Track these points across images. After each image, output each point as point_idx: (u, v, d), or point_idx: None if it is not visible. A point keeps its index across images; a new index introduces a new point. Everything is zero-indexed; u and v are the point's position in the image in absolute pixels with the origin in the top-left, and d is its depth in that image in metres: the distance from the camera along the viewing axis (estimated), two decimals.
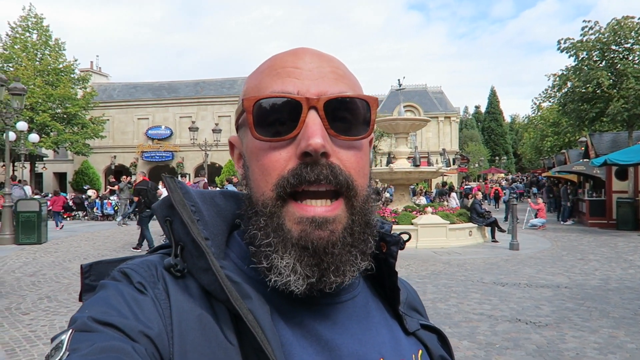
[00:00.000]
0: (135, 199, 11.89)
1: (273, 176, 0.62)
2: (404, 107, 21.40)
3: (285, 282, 0.60)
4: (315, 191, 0.61)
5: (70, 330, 0.53)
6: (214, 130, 26.56)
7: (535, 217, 18.33)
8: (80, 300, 0.66)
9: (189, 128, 27.38)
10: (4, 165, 19.12)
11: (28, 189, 19.96)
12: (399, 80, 20.29)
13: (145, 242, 11.71)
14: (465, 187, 30.99)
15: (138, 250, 11.70)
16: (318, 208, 0.61)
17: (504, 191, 28.96)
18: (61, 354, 0.51)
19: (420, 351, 0.74)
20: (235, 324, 0.58)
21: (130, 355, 0.51)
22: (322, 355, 0.62)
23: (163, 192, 16.40)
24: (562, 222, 20.48)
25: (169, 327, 0.56)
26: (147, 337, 0.54)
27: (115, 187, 20.97)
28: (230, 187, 15.77)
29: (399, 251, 0.74)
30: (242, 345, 0.57)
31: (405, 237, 0.76)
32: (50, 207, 17.85)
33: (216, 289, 0.59)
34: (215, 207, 0.70)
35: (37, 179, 33.95)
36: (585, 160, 21.78)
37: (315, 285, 0.61)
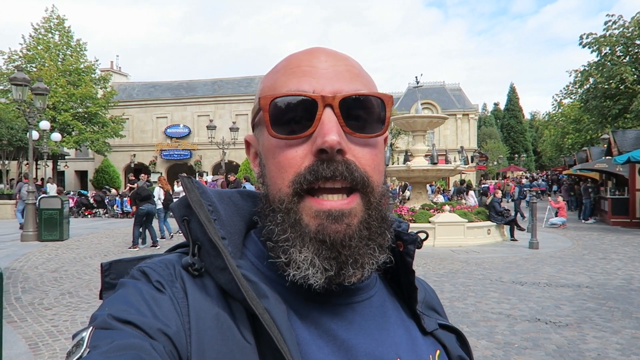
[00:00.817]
0: (134, 208, 12.98)
1: (290, 173, 0.63)
2: (422, 104, 21.23)
3: (303, 275, 0.61)
4: (331, 188, 0.62)
5: (91, 328, 0.54)
6: (231, 129, 26.75)
7: (556, 215, 18.06)
8: (100, 298, 0.67)
9: (207, 126, 27.67)
10: (27, 164, 19.54)
11: (53, 188, 20.42)
12: (416, 77, 20.14)
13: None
14: (483, 185, 30.37)
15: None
16: (334, 202, 0.62)
17: (515, 188, 28.28)
18: (82, 351, 0.52)
19: (438, 351, 0.74)
20: (252, 323, 0.59)
21: (148, 352, 0.51)
22: (338, 354, 0.62)
23: (178, 189, 16.76)
24: (583, 221, 20.13)
25: (186, 325, 0.57)
26: (165, 335, 0.55)
27: (135, 186, 21.28)
28: (248, 186, 15.92)
29: (417, 250, 0.75)
30: (259, 344, 0.58)
31: (422, 235, 0.76)
32: None
33: (233, 288, 0.60)
34: (233, 207, 0.71)
35: (59, 177, 34.61)
36: (607, 157, 21.34)
37: (334, 278, 0.62)
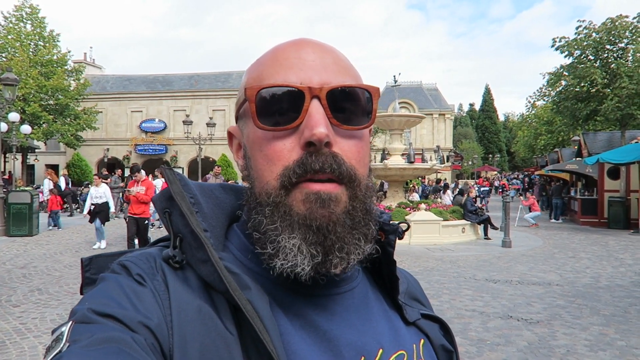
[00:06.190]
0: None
1: (278, 166, 0.62)
2: (399, 103, 21.40)
3: (291, 264, 0.60)
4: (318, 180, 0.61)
5: (71, 322, 0.53)
6: (208, 124, 26.47)
7: (530, 211, 18.52)
8: (81, 293, 0.66)
9: (183, 122, 27.21)
10: None
11: (49, 184, 19.83)
12: (394, 76, 20.27)
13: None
14: (483, 188, 29.49)
15: None
16: (322, 185, 0.61)
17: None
18: (61, 345, 0.51)
19: (422, 340, 0.75)
20: (235, 315, 0.58)
21: (129, 345, 0.50)
22: (321, 345, 0.62)
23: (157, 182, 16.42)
24: (553, 220, 20.63)
25: (168, 318, 0.56)
26: (147, 328, 0.54)
27: (108, 180, 20.85)
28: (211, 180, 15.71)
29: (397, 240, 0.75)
30: (241, 335, 0.57)
31: (404, 226, 0.77)
32: None
33: (215, 280, 0.59)
34: (215, 200, 0.70)
35: (28, 171, 33.68)
36: (578, 159, 21.91)
37: (320, 265, 0.61)
